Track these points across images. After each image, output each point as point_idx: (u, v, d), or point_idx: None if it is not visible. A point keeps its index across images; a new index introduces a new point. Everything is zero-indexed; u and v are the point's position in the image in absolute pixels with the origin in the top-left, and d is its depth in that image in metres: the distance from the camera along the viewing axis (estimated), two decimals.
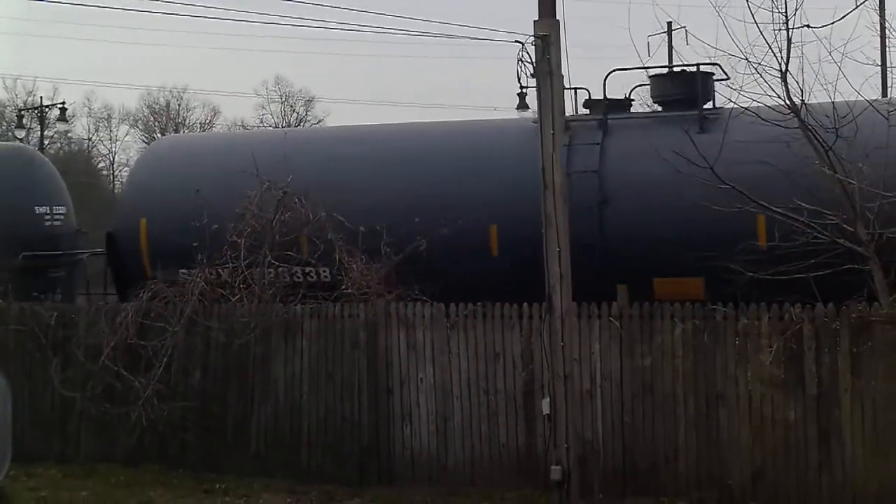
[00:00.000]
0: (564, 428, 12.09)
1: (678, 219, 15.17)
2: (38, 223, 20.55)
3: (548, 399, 12.28)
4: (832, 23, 13.15)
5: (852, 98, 13.93)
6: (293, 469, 14.61)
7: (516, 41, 12.07)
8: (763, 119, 13.53)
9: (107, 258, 19.15)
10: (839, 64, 13.08)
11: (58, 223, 20.94)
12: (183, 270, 16.02)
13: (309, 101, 69.32)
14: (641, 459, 13.15)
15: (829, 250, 13.01)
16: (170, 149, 21.07)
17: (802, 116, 13.27)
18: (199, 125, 67.78)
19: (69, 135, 62.81)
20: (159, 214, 17.71)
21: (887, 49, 22.29)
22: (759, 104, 13.65)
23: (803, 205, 13.31)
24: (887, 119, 13.44)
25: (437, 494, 13.66)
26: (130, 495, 14.01)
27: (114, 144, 70.09)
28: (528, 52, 12.11)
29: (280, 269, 15.88)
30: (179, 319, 15.10)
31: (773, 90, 13.31)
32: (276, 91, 69.71)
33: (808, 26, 13.19)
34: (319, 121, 66.68)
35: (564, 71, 12.32)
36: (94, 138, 69.99)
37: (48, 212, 20.84)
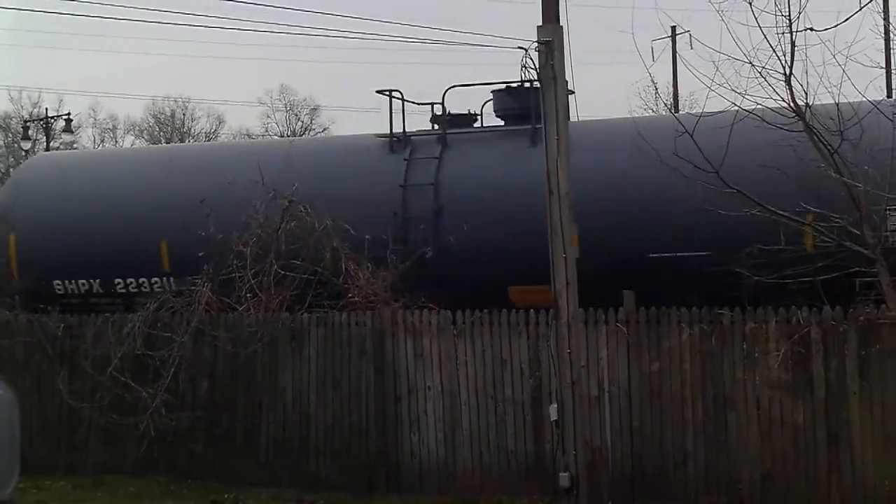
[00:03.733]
0: (572, 434, 12.08)
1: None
2: None
3: (556, 405, 12.27)
4: (836, 25, 13.11)
5: (857, 100, 13.90)
6: (301, 477, 14.61)
7: (519, 47, 12.10)
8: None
9: None
10: (843, 67, 13.05)
11: None
12: None
13: (314, 110, 69.40)
14: (650, 465, 13.12)
15: (836, 253, 12.98)
16: None
17: (807, 120, 13.25)
18: (204, 135, 67.85)
19: (75, 145, 62.87)
20: None
21: (892, 51, 22.28)
22: (764, 107, 13.63)
23: (811, 208, 13.29)
24: (892, 121, 13.41)
25: (445, 502, 13.66)
26: None
27: None
28: (531, 58, 12.12)
29: None
30: (186, 329, 15.12)
31: (778, 93, 13.30)
32: (280, 100, 69.81)
33: (811, 29, 13.17)
34: (325, 129, 66.75)
35: (568, 76, 12.35)
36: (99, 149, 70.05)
37: None
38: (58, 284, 17.65)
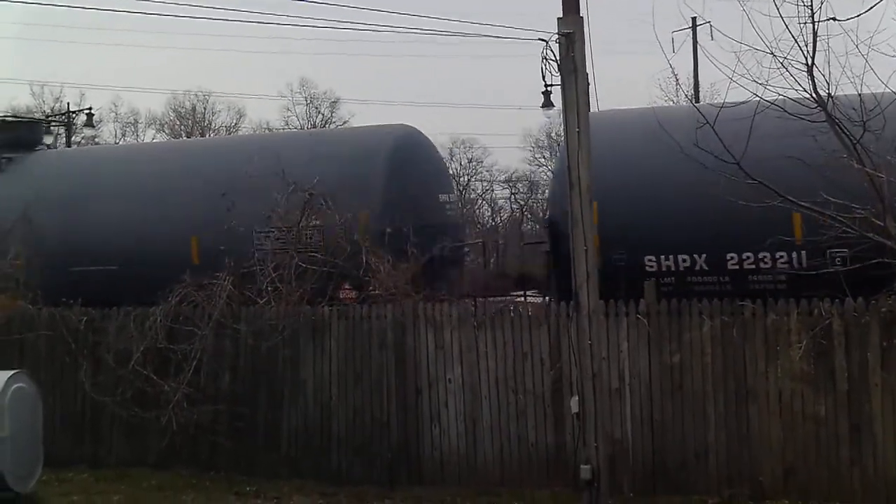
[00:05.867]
0: (593, 427, 12.04)
1: None
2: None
3: (576, 398, 12.23)
4: (858, 15, 13.00)
5: (880, 91, 13.79)
6: (323, 470, 14.64)
7: (540, 39, 12.03)
8: None
9: None
10: (866, 56, 12.95)
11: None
12: None
13: (334, 103, 69.37)
14: (671, 457, 13.10)
15: (858, 244, 12.90)
16: None
17: (829, 110, 13.17)
18: (224, 128, 67.95)
19: (96, 140, 63.03)
20: None
21: None
22: (786, 98, 13.54)
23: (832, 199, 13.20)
24: None
25: (467, 495, 13.66)
26: (162, 499, 14.09)
27: None
28: (552, 50, 12.07)
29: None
30: (208, 323, 15.15)
31: (800, 84, 13.23)
32: (301, 93, 69.82)
33: (834, 19, 13.07)
34: (345, 122, 66.76)
35: (589, 68, 12.27)
36: (121, 143, 70.23)
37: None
38: (649, 260, 15.29)
